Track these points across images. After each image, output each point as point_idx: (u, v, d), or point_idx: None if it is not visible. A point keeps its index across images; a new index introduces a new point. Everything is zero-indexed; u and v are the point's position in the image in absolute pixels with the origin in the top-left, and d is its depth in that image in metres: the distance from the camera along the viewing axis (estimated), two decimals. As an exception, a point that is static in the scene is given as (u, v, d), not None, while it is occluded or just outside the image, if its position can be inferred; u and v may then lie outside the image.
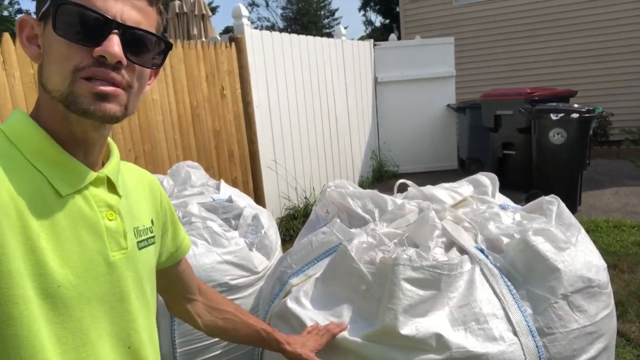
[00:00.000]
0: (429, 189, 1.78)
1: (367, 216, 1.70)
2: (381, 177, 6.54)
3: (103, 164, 0.76)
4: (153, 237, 0.83)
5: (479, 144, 6.12)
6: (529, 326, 1.17)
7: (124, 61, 0.66)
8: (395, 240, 1.48)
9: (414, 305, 1.17)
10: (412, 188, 1.81)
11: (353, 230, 1.57)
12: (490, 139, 5.55)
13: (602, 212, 4.40)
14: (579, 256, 1.32)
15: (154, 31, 0.71)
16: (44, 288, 0.62)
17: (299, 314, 1.32)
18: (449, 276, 1.21)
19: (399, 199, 1.75)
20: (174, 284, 1.01)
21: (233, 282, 1.76)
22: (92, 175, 0.71)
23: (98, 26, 0.65)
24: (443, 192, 1.74)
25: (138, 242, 0.77)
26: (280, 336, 1.14)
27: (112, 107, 0.66)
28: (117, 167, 0.77)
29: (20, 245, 0.61)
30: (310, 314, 1.31)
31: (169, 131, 3.40)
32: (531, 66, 7.52)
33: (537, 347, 1.15)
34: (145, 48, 0.70)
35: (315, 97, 5.19)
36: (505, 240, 1.37)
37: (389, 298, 1.17)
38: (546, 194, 1.66)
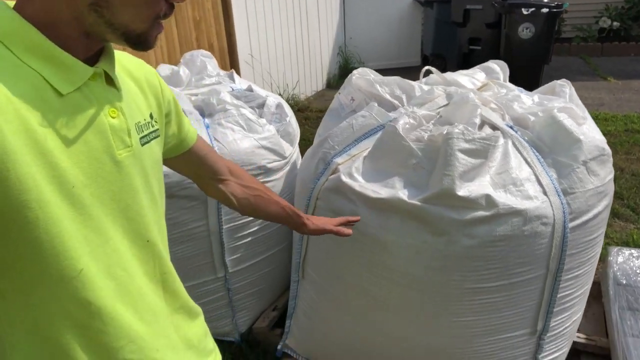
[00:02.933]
0: (450, 75, 1.92)
1: (395, 102, 1.83)
2: (347, 74, 6.56)
3: (98, 57, 0.72)
4: (156, 130, 0.82)
5: (443, 40, 6.22)
6: (555, 187, 1.41)
7: None
8: (432, 122, 1.64)
9: (466, 172, 1.36)
10: (435, 75, 1.94)
11: (390, 113, 1.71)
12: (456, 34, 5.65)
13: (559, 105, 4.77)
14: (592, 130, 1.55)
15: None
16: (60, 189, 0.62)
17: (354, 187, 1.49)
18: (495, 147, 1.40)
19: (423, 85, 1.88)
20: (197, 168, 1.04)
21: (269, 165, 1.89)
22: (90, 70, 0.68)
23: None
24: (464, 78, 1.89)
25: (141, 139, 0.76)
26: (302, 214, 1.18)
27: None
28: (113, 59, 0.74)
29: (29, 149, 0.59)
30: (366, 186, 1.48)
31: (152, 21, 3.24)
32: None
33: (562, 203, 1.39)
34: None
35: (287, -12, 5.01)
36: (531, 118, 1.56)
37: (445, 166, 1.35)
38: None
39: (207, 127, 1.85)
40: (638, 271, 1.91)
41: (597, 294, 1.94)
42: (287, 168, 2.03)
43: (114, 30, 0.65)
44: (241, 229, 1.88)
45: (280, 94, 5.05)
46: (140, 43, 0.67)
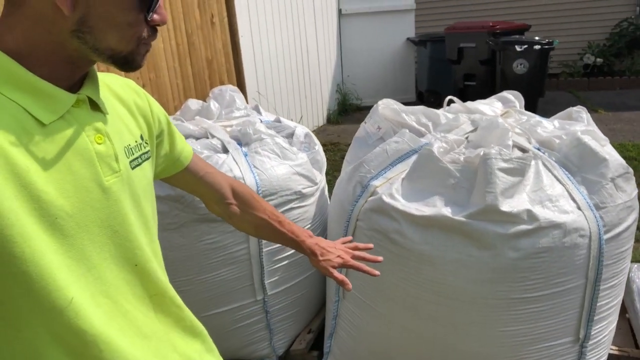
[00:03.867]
0: (471, 104, 2.04)
1: (422, 129, 1.94)
2: (345, 110, 6.77)
3: (82, 83, 0.72)
4: (147, 152, 0.81)
5: (438, 76, 6.47)
6: (588, 203, 1.51)
7: None
8: (463, 146, 1.74)
9: (506, 189, 1.45)
10: (457, 104, 2.06)
11: (421, 139, 1.81)
12: (450, 71, 5.90)
13: (554, 136, 4.96)
14: (613, 151, 1.67)
15: None
16: (42, 221, 0.61)
17: (397, 206, 1.57)
18: (530, 166, 1.50)
19: (447, 113, 2.00)
20: (196, 187, 1.03)
21: (304, 191, 1.97)
22: (72, 97, 0.68)
23: None
24: (484, 106, 2.02)
25: (131, 162, 0.75)
26: (308, 247, 1.10)
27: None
28: (97, 83, 0.74)
29: (10, 183, 0.58)
30: (408, 205, 1.56)
31: (170, 59, 3.38)
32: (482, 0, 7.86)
33: (595, 217, 1.48)
34: None
35: (290, 30, 5.22)
36: (556, 140, 1.68)
37: (487, 184, 1.44)
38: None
39: (246, 155, 1.93)
40: (658, 286, 1.99)
41: (622, 309, 2.01)
42: (318, 194, 2.11)
43: (99, 54, 0.66)
44: (279, 251, 1.94)
45: (284, 130, 5.18)
46: (127, 63, 0.69)
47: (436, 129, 1.91)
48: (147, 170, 0.81)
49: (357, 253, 1.13)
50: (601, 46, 7.31)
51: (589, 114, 1.87)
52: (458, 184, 1.55)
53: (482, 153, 1.51)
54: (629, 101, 6.09)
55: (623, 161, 1.62)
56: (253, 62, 4.54)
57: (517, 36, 4.87)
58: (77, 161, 0.66)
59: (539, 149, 1.66)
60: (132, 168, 0.76)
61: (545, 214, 1.44)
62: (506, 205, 1.42)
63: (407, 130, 1.84)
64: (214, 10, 3.85)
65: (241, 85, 4.28)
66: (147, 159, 0.81)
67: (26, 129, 0.62)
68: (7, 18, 0.64)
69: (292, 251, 1.99)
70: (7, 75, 0.62)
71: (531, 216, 1.42)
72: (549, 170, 1.58)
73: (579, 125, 1.75)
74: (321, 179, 2.16)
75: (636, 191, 1.63)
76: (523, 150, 1.66)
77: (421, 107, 2.00)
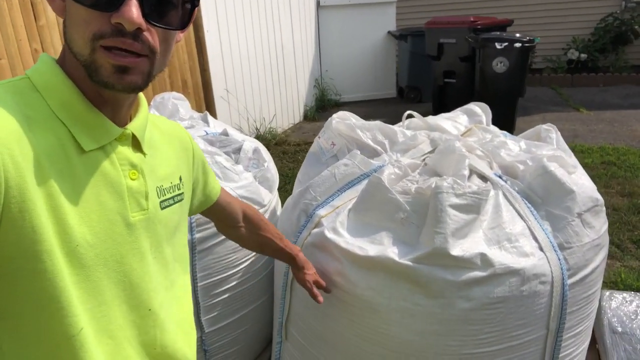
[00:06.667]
0: (432, 119, 1.86)
1: (378, 147, 1.76)
2: (324, 106, 6.56)
3: (130, 118, 0.73)
4: (181, 194, 0.81)
5: (418, 73, 6.29)
6: (551, 242, 1.34)
7: (144, 27, 0.61)
8: (418, 171, 1.56)
9: (459, 228, 1.28)
10: (417, 119, 1.88)
11: (373, 161, 1.63)
12: (430, 67, 5.71)
13: (534, 136, 4.81)
14: (582, 178, 1.50)
15: None
16: (63, 246, 0.61)
17: (340, 243, 1.39)
18: (486, 201, 1.33)
19: (405, 130, 1.82)
20: (218, 217, 1.11)
21: (247, 216, 1.78)
22: (118, 131, 0.69)
23: None
24: (447, 122, 1.84)
25: (161, 202, 0.75)
26: (300, 260, 1.32)
27: (133, 79, 0.62)
28: (145, 123, 0.75)
29: (44, 201, 0.59)
30: (352, 242, 1.38)
31: (123, 59, 3.15)
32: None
33: (559, 259, 1.32)
34: (170, 5, 0.64)
35: (262, 22, 4.99)
36: (520, 167, 1.50)
37: (436, 223, 1.27)
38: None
39: (180, 177, 1.73)
40: (633, 317, 1.84)
41: (592, 340, 1.86)
42: (267, 216, 1.92)
43: (80, 66, 0.63)
44: (218, 285, 1.76)
45: (257, 128, 4.98)
46: (93, 74, 0.62)
47: (392, 148, 1.74)
48: (176, 212, 0.80)
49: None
50: (586, 41, 7.16)
51: (558, 133, 1.70)
52: (407, 219, 1.37)
53: (433, 185, 1.33)
54: (611, 99, 5.96)
55: (593, 191, 1.45)
56: (220, 58, 4.31)
57: (498, 33, 4.67)
58: (107, 192, 0.66)
59: (500, 177, 1.49)
60: (162, 209, 0.75)
61: (501, 257, 1.27)
62: (457, 249, 1.25)
63: (359, 152, 1.65)
64: (174, 5, 3.61)
65: (207, 84, 4.06)
66: (180, 201, 0.81)
67: (67, 153, 0.63)
68: None
69: (234, 283, 1.82)
70: (63, 99, 0.64)
71: (485, 261, 1.25)
72: (510, 204, 1.40)
73: (547, 148, 1.58)
74: (270, 199, 1.97)
75: (606, 225, 1.47)
76: (482, 177, 1.49)
77: (378, 123, 1.82)
